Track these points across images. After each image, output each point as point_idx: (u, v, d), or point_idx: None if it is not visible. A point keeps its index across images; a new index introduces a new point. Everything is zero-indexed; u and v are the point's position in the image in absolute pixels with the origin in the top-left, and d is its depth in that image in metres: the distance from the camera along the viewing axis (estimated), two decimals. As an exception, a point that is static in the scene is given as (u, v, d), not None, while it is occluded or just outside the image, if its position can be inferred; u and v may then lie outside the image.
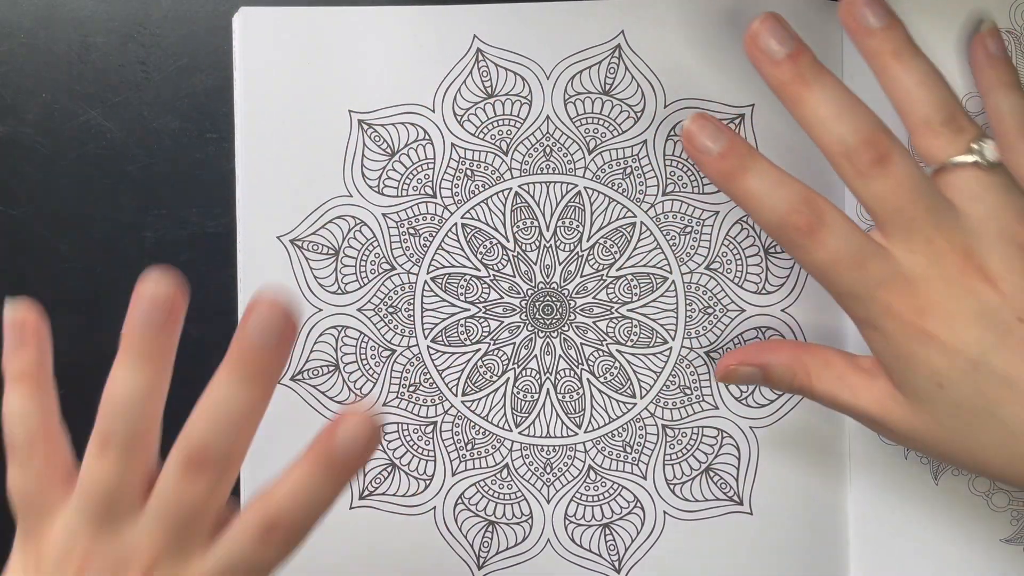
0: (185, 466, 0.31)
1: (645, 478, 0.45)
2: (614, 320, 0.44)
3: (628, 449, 0.45)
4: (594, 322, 0.44)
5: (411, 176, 0.44)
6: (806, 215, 0.34)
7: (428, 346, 0.44)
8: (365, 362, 0.44)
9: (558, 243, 0.44)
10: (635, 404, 0.45)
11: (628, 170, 0.44)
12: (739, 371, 0.39)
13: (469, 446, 0.45)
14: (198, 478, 0.31)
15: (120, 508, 0.32)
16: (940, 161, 0.34)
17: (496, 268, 0.44)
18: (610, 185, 0.44)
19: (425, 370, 0.45)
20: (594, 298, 0.44)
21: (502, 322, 0.44)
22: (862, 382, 0.36)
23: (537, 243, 0.44)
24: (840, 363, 0.37)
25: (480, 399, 0.45)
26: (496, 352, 0.45)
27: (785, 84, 0.35)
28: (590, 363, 0.45)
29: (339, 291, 0.44)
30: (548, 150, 0.44)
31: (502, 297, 0.44)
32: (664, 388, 0.44)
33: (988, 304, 0.33)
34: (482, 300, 0.44)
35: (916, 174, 0.34)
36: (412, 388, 0.45)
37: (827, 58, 0.43)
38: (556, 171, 0.44)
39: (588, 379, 0.45)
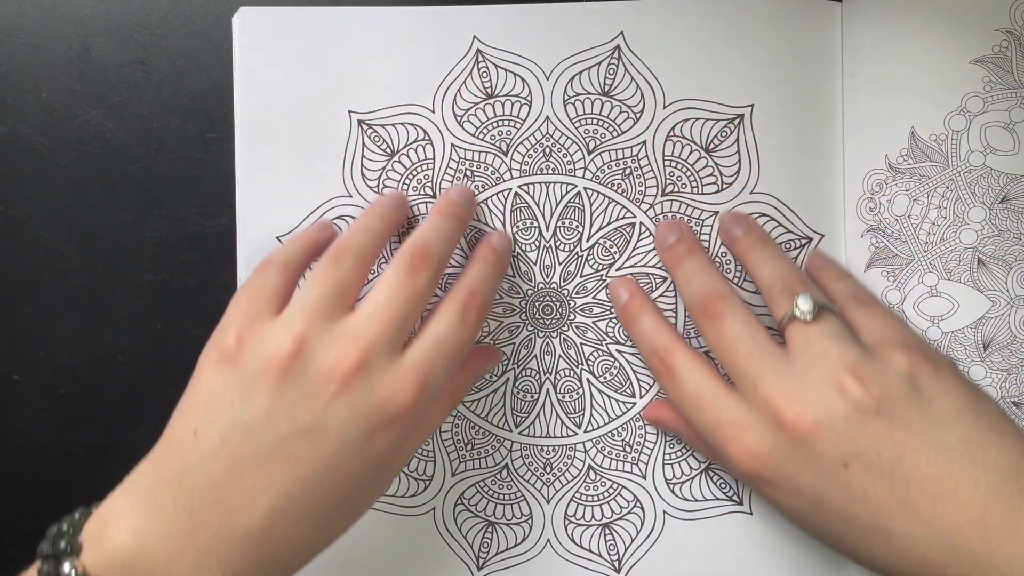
0: (410, 263, 0.37)
1: (645, 478, 0.45)
2: (614, 320, 0.44)
3: (628, 449, 0.45)
4: (594, 322, 0.44)
5: (411, 176, 0.44)
6: (660, 361, 0.41)
7: (428, 346, 0.44)
8: (365, 362, 0.44)
9: (558, 243, 0.44)
10: (635, 404, 0.45)
11: (628, 170, 0.44)
12: (659, 423, 0.44)
13: (469, 446, 0.45)
14: (420, 273, 0.37)
15: (341, 303, 0.37)
16: (778, 320, 0.39)
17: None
18: (610, 185, 0.44)
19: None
20: (594, 298, 0.44)
21: (502, 322, 0.44)
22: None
23: (537, 243, 0.44)
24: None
25: (480, 399, 0.45)
26: (496, 352, 0.45)
27: (668, 262, 0.43)
28: (590, 363, 0.45)
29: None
30: (548, 151, 0.44)
31: (502, 297, 0.44)
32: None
33: (812, 452, 0.36)
34: (482, 300, 0.44)
35: (743, 328, 0.38)
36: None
37: (827, 58, 0.44)
38: (556, 171, 0.44)
39: (588, 379, 0.45)
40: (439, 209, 0.41)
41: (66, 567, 0.33)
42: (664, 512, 0.45)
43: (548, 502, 0.45)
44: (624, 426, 0.45)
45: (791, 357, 0.37)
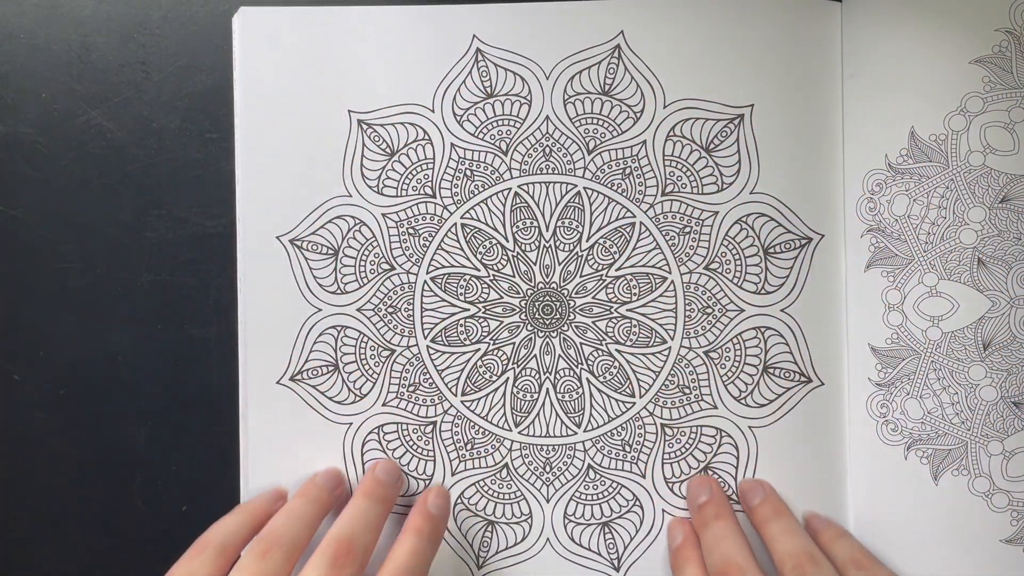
0: (333, 558, 0.38)
1: (644, 477, 0.45)
2: (613, 320, 0.44)
3: (627, 448, 0.45)
4: (593, 322, 0.44)
5: (411, 176, 0.44)
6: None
7: (428, 346, 0.45)
8: (365, 362, 0.44)
9: (558, 243, 0.44)
10: (634, 403, 0.45)
11: (627, 170, 0.44)
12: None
13: (469, 446, 0.45)
14: (343, 568, 0.38)
15: None
16: None
17: (496, 268, 0.44)
18: (610, 185, 0.44)
19: (425, 370, 0.45)
20: (593, 298, 0.44)
21: (502, 322, 0.44)
22: None
23: (537, 243, 0.44)
24: None
25: (480, 399, 0.45)
26: (496, 352, 0.45)
27: (697, 523, 0.44)
28: (589, 363, 0.45)
29: (338, 291, 0.44)
30: (548, 150, 0.44)
31: (502, 297, 0.44)
32: (663, 387, 0.45)
33: None
34: (482, 300, 0.44)
35: None
36: (412, 388, 0.45)
37: (827, 58, 0.43)
38: (556, 171, 0.44)
39: (587, 379, 0.45)
40: (365, 490, 0.42)
41: None
42: (663, 511, 0.45)
43: (548, 501, 0.45)
44: (623, 425, 0.45)
45: None
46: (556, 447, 0.45)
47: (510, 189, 0.44)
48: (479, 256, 0.44)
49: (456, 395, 0.45)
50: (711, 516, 0.43)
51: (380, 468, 0.43)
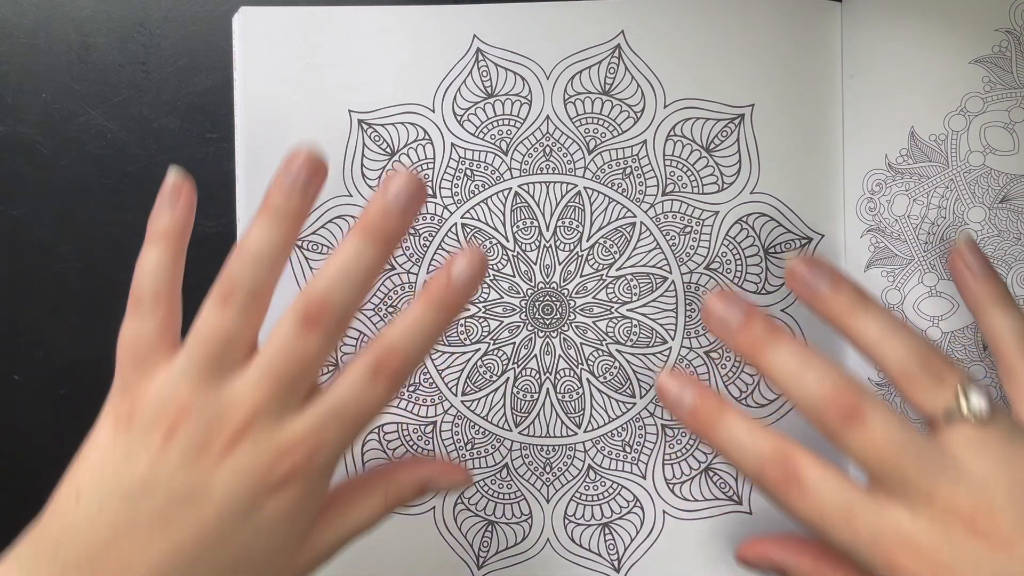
0: (303, 319, 0.33)
1: (644, 477, 0.45)
2: (614, 320, 0.44)
3: (628, 449, 0.45)
4: (594, 322, 0.44)
5: (411, 176, 0.44)
6: (781, 470, 0.33)
7: (428, 346, 0.45)
8: (365, 362, 0.44)
9: (558, 243, 0.44)
10: (635, 404, 0.45)
11: (628, 170, 0.44)
12: (757, 565, 0.39)
13: (469, 446, 0.45)
14: (314, 332, 0.33)
15: (229, 359, 0.34)
16: (930, 416, 0.33)
17: (496, 268, 0.44)
18: (610, 185, 0.44)
19: (425, 370, 0.45)
20: (594, 298, 0.44)
21: (502, 322, 0.44)
22: None
23: (537, 243, 0.44)
24: None
25: (480, 399, 0.45)
26: (496, 352, 0.45)
27: (746, 349, 0.35)
28: (590, 363, 0.45)
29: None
30: (548, 150, 0.44)
31: (502, 297, 0.44)
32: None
33: (1005, 566, 0.31)
34: (482, 300, 0.44)
35: (897, 427, 0.32)
36: (412, 388, 0.45)
37: (827, 58, 0.44)
38: (556, 171, 0.44)
39: (588, 379, 0.45)
40: (363, 226, 0.35)
41: None
42: (664, 512, 0.45)
43: (548, 502, 0.45)
44: (624, 426, 0.45)
45: (959, 459, 0.32)
46: (556, 447, 0.45)
47: (510, 189, 0.44)
48: (479, 256, 0.44)
49: (456, 395, 0.45)
50: (764, 334, 0.35)
51: (394, 188, 0.35)
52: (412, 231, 0.44)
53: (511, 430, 0.45)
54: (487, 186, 0.44)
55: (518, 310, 0.44)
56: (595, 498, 0.45)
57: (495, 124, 0.44)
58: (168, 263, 0.36)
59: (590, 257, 0.44)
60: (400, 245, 0.37)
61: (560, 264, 0.44)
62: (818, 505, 0.33)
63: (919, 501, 0.32)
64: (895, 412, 0.33)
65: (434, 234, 0.44)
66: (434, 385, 0.45)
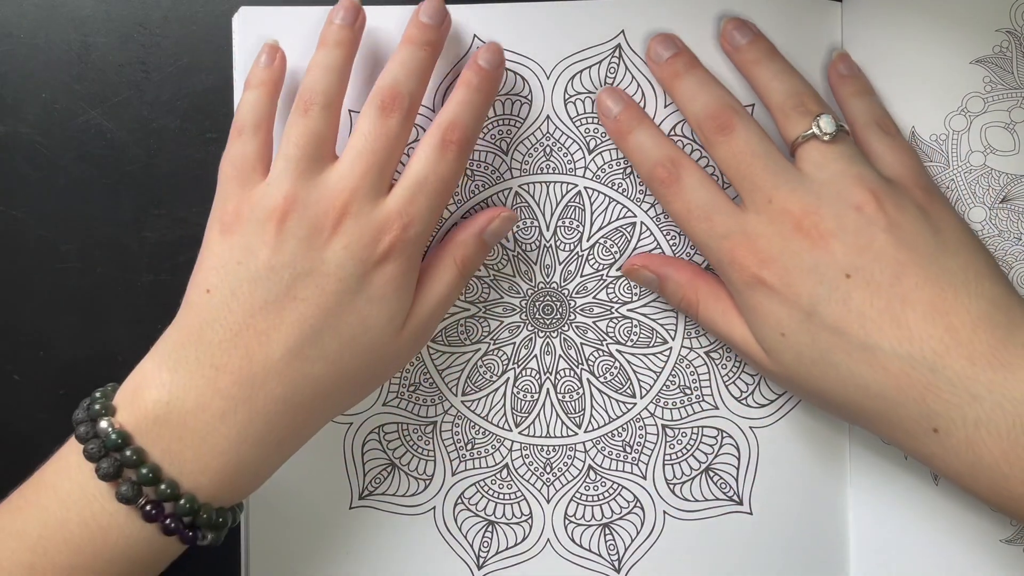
0: (380, 107, 0.39)
1: (645, 478, 0.45)
2: (614, 320, 0.44)
3: (628, 449, 0.45)
4: (594, 322, 0.44)
5: (411, 176, 0.44)
6: (667, 170, 0.40)
7: (428, 346, 0.44)
8: (365, 362, 0.44)
9: (558, 243, 0.44)
10: (635, 404, 0.45)
11: (628, 170, 0.44)
12: (640, 273, 0.43)
13: (469, 446, 0.45)
14: (392, 115, 0.39)
15: (320, 155, 0.39)
16: (791, 139, 0.40)
17: (496, 268, 0.44)
18: (610, 185, 0.44)
19: (425, 370, 0.45)
20: (594, 298, 0.44)
21: (502, 322, 0.44)
22: (739, 320, 0.40)
23: (537, 243, 0.44)
24: (727, 299, 0.41)
25: (480, 399, 0.45)
26: (496, 352, 0.45)
27: (665, 78, 0.42)
28: (590, 363, 0.45)
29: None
30: (548, 150, 0.44)
31: (502, 297, 0.44)
32: (664, 388, 0.44)
33: (819, 260, 0.37)
34: (482, 300, 0.44)
35: (758, 143, 0.39)
36: (412, 388, 0.45)
37: (827, 58, 0.44)
38: (556, 171, 0.44)
39: (588, 379, 0.45)
40: (408, 37, 0.40)
41: (103, 424, 0.36)
42: (664, 512, 0.45)
43: (548, 502, 0.45)
44: (624, 426, 0.45)
45: (806, 174, 0.39)
46: (556, 447, 0.45)
47: (510, 189, 0.44)
48: (479, 256, 0.44)
49: (456, 395, 0.45)
50: (683, 67, 0.42)
51: (424, 9, 0.41)
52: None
53: (511, 430, 0.45)
54: (487, 186, 0.44)
55: (518, 310, 0.44)
56: (595, 498, 0.45)
57: (495, 124, 0.44)
58: (265, 102, 0.41)
59: (590, 257, 0.44)
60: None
61: (560, 264, 0.44)
62: (687, 203, 0.40)
63: (761, 203, 0.38)
64: (760, 130, 0.39)
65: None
66: (434, 385, 0.45)
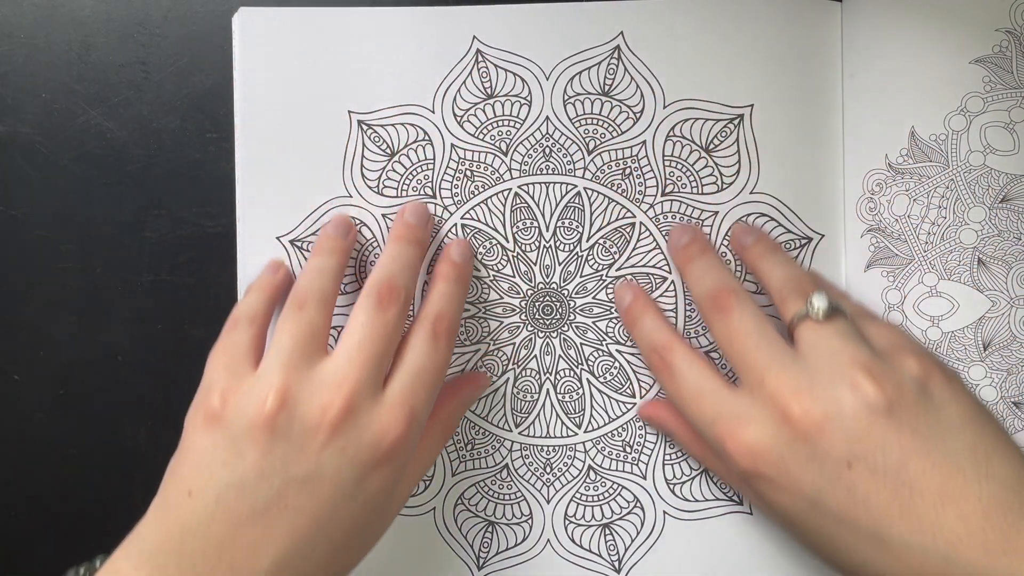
0: (378, 300, 0.38)
1: (645, 478, 0.45)
2: (614, 320, 0.44)
3: (628, 449, 0.45)
4: (594, 322, 0.44)
5: (411, 177, 0.44)
6: (660, 356, 0.41)
7: (428, 346, 0.44)
8: (365, 362, 0.44)
9: (558, 243, 0.44)
10: (635, 404, 0.45)
11: (627, 170, 0.44)
12: (653, 422, 0.44)
13: (469, 446, 0.45)
14: (390, 308, 0.38)
15: (314, 348, 0.37)
16: (788, 320, 0.39)
17: (496, 268, 0.44)
18: (609, 185, 0.44)
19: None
20: (594, 298, 0.44)
21: (502, 322, 0.44)
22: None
23: (537, 243, 0.44)
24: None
25: (480, 399, 0.45)
26: (496, 352, 0.45)
27: (681, 262, 0.43)
28: (590, 363, 0.45)
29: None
30: (548, 151, 0.44)
31: (502, 297, 0.44)
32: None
33: (817, 450, 0.35)
34: (482, 300, 0.44)
35: (753, 323, 0.38)
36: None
37: (827, 57, 0.44)
38: (556, 172, 0.44)
39: (588, 379, 0.45)
40: (398, 235, 0.41)
41: None
42: (664, 512, 0.45)
43: (548, 502, 0.45)
44: (624, 426, 0.45)
45: (801, 354, 0.37)
46: (556, 448, 0.45)
47: (510, 189, 0.44)
48: (479, 256, 0.44)
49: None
50: (696, 252, 0.42)
51: (408, 211, 0.43)
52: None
53: (511, 430, 0.45)
54: (487, 187, 0.44)
55: (518, 310, 0.44)
56: (595, 499, 0.45)
57: (495, 125, 0.44)
58: (264, 302, 0.41)
59: (590, 257, 0.44)
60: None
61: (560, 264, 0.44)
62: (680, 387, 0.39)
63: (754, 383, 0.37)
64: (758, 311, 0.39)
65: (434, 234, 0.44)
66: (434, 385, 0.45)
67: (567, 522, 0.45)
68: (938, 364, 0.37)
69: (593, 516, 0.45)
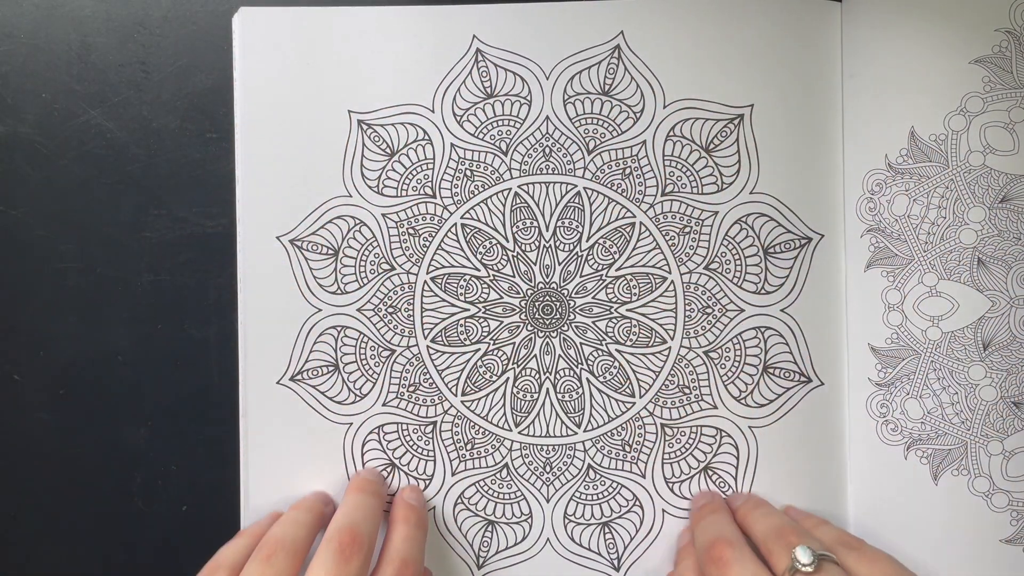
0: (340, 548, 0.38)
1: (644, 477, 0.45)
2: (613, 320, 0.44)
3: (627, 448, 0.45)
4: (593, 322, 0.44)
5: (411, 176, 0.44)
6: (715, 553, 0.39)
7: (428, 346, 0.45)
8: (365, 362, 0.44)
9: (558, 243, 0.44)
10: (634, 403, 0.45)
11: (627, 170, 0.44)
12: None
13: (469, 446, 0.45)
14: (353, 559, 0.38)
15: None
16: (779, 574, 0.39)
17: (496, 268, 0.44)
18: (609, 185, 0.44)
19: (425, 370, 0.45)
20: (593, 298, 0.44)
21: (502, 322, 0.44)
22: None
23: (537, 243, 0.44)
24: None
25: (480, 399, 0.45)
26: (496, 352, 0.45)
27: (695, 520, 0.43)
28: (589, 363, 0.45)
29: (339, 291, 0.44)
30: (548, 150, 0.44)
31: (502, 297, 0.44)
32: (663, 387, 0.45)
33: None
34: (482, 300, 0.44)
35: None
36: (412, 388, 0.45)
37: (827, 58, 0.44)
38: (556, 171, 0.44)
39: (587, 379, 0.45)
40: (358, 487, 0.42)
41: None
42: (663, 511, 0.45)
43: (548, 501, 0.45)
44: (623, 425, 0.45)
45: None
46: (556, 447, 0.45)
47: (510, 189, 0.44)
48: (479, 256, 0.44)
49: (456, 395, 0.45)
50: (709, 511, 0.43)
51: (364, 472, 0.44)
52: (412, 232, 0.44)
53: (511, 430, 0.45)
54: (487, 186, 0.44)
55: (518, 310, 0.44)
56: (595, 497, 0.45)
57: (495, 124, 0.44)
58: (308, 528, 0.41)
59: (590, 257, 0.44)
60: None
61: (560, 264, 0.44)
62: None
63: None
64: (755, 564, 0.38)
65: (434, 234, 0.44)
66: (434, 385, 0.45)
67: (567, 521, 0.45)
68: None
69: (592, 515, 0.45)
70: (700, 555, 0.41)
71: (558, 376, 0.45)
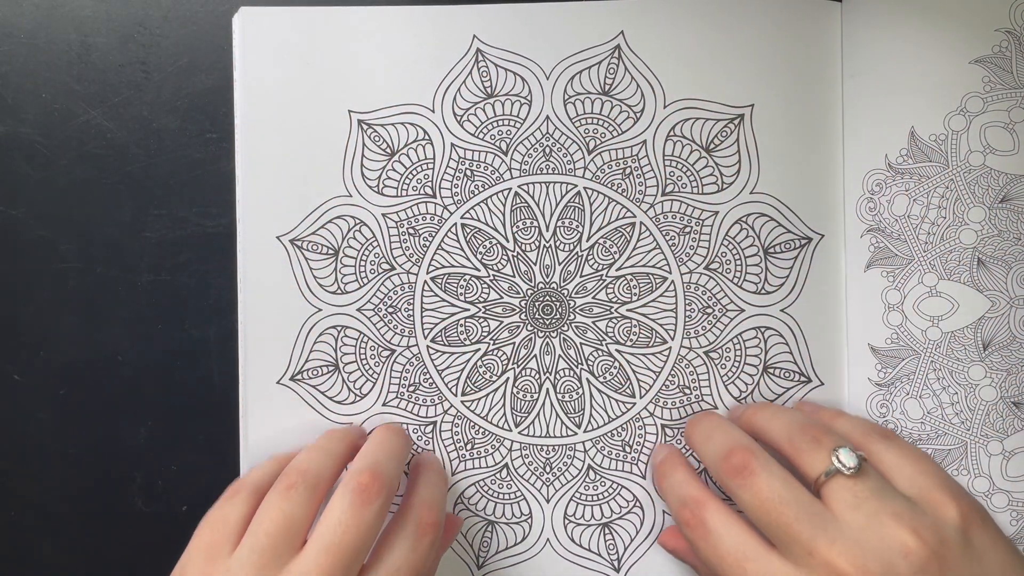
0: (359, 489, 0.36)
1: (644, 477, 0.45)
2: (613, 320, 0.44)
3: (627, 448, 0.45)
4: (593, 322, 0.44)
5: (411, 176, 0.44)
6: (692, 511, 0.38)
7: (428, 346, 0.45)
8: (365, 362, 0.44)
9: (558, 243, 0.44)
10: (634, 404, 0.45)
11: (628, 170, 0.44)
12: (675, 552, 0.44)
13: (469, 446, 0.45)
14: (369, 504, 0.36)
15: (289, 545, 0.36)
16: (812, 479, 0.37)
17: (496, 268, 0.44)
18: (610, 185, 0.44)
19: (425, 370, 0.45)
20: (594, 298, 0.44)
21: (502, 322, 0.44)
22: None
23: (537, 243, 0.44)
24: None
25: (480, 399, 0.45)
26: (496, 352, 0.45)
27: (686, 432, 0.43)
28: (590, 363, 0.45)
29: (339, 291, 0.44)
30: (548, 150, 0.44)
31: (502, 297, 0.44)
32: (663, 388, 0.45)
33: None
34: (482, 300, 0.44)
35: (781, 483, 0.36)
36: (412, 388, 0.45)
37: (827, 58, 0.44)
38: (556, 171, 0.44)
39: (588, 379, 0.45)
40: (385, 426, 0.42)
41: None
42: (664, 512, 0.45)
43: (548, 501, 0.45)
44: (624, 426, 0.45)
45: (838, 516, 0.36)
46: (556, 447, 0.45)
47: (510, 189, 0.44)
48: (479, 256, 0.44)
49: (456, 395, 0.45)
50: (700, 416, 0.42)
51: (389, 426, 0.43)
52: (412, 231, 0.44)
53: (511, 430, 0.45)
54: (487, 186, 0.44)
55: (518, 310, 0.44)
56: (595, 498, 0.45)
57: (495, 124, 0.44)
58: (273, 472, 0.40)
59: (590, 257, 0.44)
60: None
61: (560, 264, 0.44)
62: (717, 548, 0.37)
63: (801, 555, 0.35)
64: (782, 470, 0.37)
65: (434, 234, 0.44)
66: (434, 385, 0.45)
67: (567, 521, 0.45)
68: (973, 506, 0.36)
69: (593, 515, 0.45)
70: (715, 466, 0.39)
71: (558, 376, 0.45)
